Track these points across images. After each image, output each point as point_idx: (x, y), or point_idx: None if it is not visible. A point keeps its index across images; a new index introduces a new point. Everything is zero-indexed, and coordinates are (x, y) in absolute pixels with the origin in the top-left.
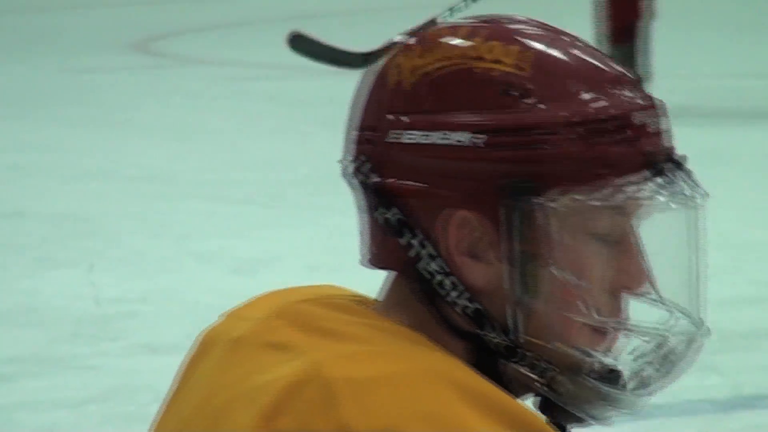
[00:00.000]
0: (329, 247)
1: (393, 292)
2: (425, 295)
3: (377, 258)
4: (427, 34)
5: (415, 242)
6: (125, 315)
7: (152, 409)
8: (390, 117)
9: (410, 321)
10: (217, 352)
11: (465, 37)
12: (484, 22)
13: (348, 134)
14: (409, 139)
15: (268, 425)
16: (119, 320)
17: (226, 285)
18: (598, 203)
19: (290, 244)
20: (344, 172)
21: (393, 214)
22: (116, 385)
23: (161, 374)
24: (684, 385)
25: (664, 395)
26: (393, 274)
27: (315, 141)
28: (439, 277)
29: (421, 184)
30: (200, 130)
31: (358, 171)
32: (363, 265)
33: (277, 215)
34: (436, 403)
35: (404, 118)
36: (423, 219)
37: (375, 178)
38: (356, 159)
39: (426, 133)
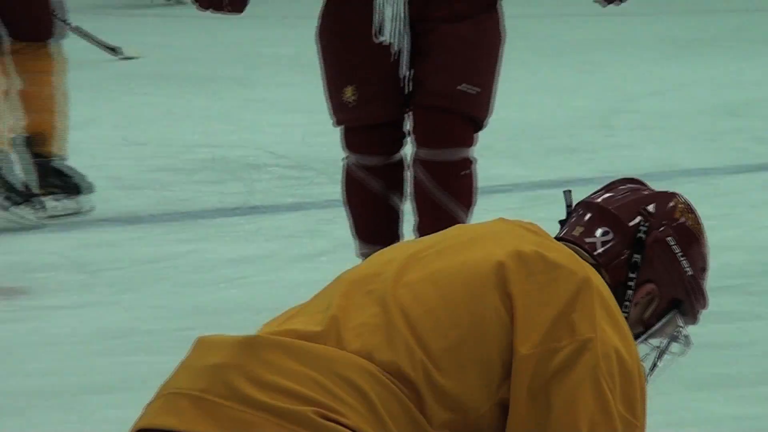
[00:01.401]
0: None
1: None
2: (614, 284)
3: (597, 254)
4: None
5: (634, 277)
6: None
7: None
8: (666, 229)
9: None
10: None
11: None
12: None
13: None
14: (672, 247)
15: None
16: None
17: None
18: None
19: None
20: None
21: (635, 258)
22: None
23: None
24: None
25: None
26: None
27: None
28: (629, 292)
29: (661, 265)
30: None
31: (636, 224)
32: (565, 237)
33: None
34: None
35: (671, 241)
36: (644, 270)
37: (642, 236)
38: (640, 222)
39: (681, 254)
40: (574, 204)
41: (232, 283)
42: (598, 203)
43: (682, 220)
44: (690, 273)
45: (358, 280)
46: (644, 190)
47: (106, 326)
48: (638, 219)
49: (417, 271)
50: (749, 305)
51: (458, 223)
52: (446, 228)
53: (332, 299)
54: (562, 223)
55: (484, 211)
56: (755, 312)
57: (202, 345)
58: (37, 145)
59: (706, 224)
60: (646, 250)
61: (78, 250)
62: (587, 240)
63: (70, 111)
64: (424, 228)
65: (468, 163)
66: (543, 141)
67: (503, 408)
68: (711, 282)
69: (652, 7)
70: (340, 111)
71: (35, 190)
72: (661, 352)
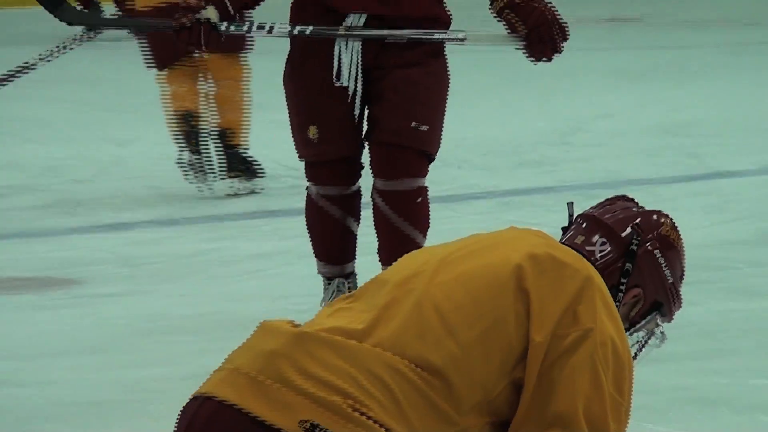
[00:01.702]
0: None
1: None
2: (607, 287)
3: (595, 260)
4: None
5: (625, 282)
6: None
7: None
8: (654, 243)
9: None
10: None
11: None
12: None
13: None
14: (658, 258)
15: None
16: None
17: None
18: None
19: None
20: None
21: (627, 266)
22: None
23: None
24: None
25: None
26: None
27: None
28: (620, 294)
29: (648, 273)
30: None
31: (629, 237)
32: (568, 243)
33: None
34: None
35: (657, 253)
36: (634, 276)
37: (634, 247)
38: (633, 235)
39: (665, 265)
40: (575, 215)
41: (252, 275)
42: (596, 216)
43: (667, 235)
44: (671, 281)
45: (401, 281)
46: (636, 207)
47: (148, 311)
48: (631, 232)
49: (447, 273)
50: (684, 294)
51: (416, 245)
52: (404, 250)
53: (378, 299)
54: (564, 230)
55: (463, 214)
56: (689, 299)
57: (264, 329)
58: (228, 138)
59: None
60: (636, 259)
61: (124, 247)
62: (587, 248)
63: (120, 131)
64: (384, 250)
65: (422, 190)
66: (512, 156)
67: (515, 387)
68: None
69: (602, 44)
70: (303, 147)
71: (224, 173)
72: (642, 346)
